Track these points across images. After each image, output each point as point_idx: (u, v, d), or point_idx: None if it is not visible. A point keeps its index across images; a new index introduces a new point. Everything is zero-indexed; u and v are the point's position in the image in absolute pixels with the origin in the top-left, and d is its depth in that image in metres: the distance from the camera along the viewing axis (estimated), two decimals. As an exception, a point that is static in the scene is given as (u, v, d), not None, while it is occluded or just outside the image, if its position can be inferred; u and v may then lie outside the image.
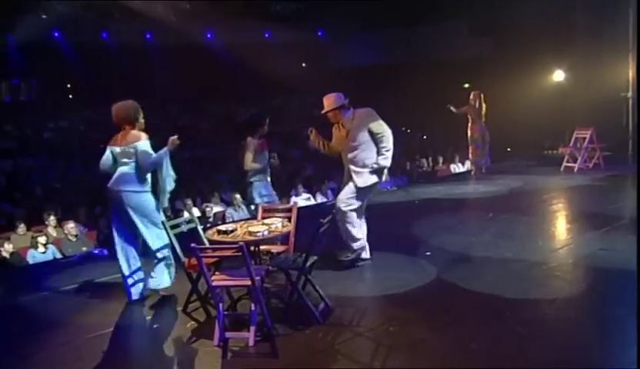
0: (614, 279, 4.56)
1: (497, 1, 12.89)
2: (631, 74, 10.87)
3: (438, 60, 14.79)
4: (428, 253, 5.08)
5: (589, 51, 11.11)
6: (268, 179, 5.68)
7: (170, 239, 4.35)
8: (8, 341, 4.26)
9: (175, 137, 4.66)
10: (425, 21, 15.92)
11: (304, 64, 19.79)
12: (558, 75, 12.61)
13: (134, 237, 4.64)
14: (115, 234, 4.65)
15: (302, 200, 9.78)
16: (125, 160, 4.59)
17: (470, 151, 10.68)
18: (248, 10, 16.16)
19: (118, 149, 4.63)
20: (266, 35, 18.16)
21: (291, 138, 14.77)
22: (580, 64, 11.68)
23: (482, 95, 10.26)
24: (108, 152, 4.71)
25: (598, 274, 4.80)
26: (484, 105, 10.25)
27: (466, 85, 14.41)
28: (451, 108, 10.18)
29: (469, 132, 10.42)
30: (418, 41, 15.75)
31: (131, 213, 4.51)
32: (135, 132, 4.64)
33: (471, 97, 10.28)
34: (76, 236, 7.93)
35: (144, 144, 4.56)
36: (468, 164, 12.48)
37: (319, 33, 18.99)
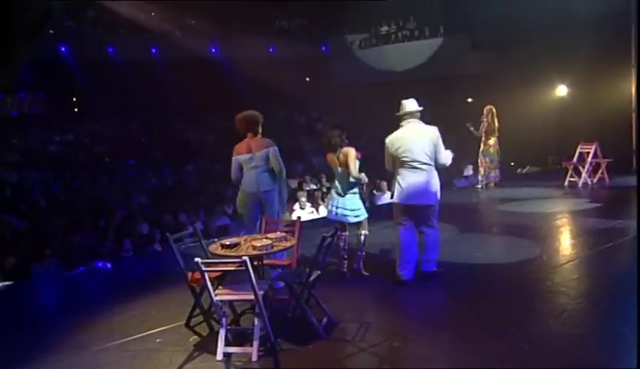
0: (619, 295, 4.52)
1: (500, 16, 12.98)
2: (634, 89, 10.88)
3: (441, 75, 14.87)
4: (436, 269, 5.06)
5: (592, 65, 11.13)
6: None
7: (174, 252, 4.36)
8: (12, 353, 4.25)
9: None
10: (428, 37, 16.05)
11: (307, 79, 19.92)
12: (561, 90, 12.63)
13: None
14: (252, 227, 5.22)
15: (306, 213, 9.77)
16: (256, 164, 5.16)
17: (481, 164, 10.68)
18: (253, 25, 16.33)
19: (245, 156, 5.19)
20: (270, 50, 18.31)
21: (294, 152, 14.81)
22: (583, 79, 11.70)
23: (494, 109, 10.29)
24: (235, 163, 5.28)
25: (603, 289, 4.77)
26: (496, 120, 10.28)
27: (469, 100, 14.46)
28: (471, 128, 10.18)
29: (482, 146, 10.43)
30: (421, 57, 15.84)
31: (265, 207, 5.16)
32: (263, 139, 5.23)
33: (485, 112, 10.31)
34: None
35: (275, 149, 5.18)
36: (472, 178, 12.48)
37: (323, 48, 19.14)
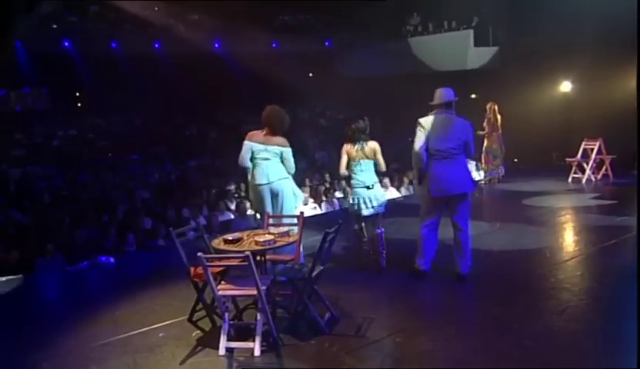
0: (622, 292, 4.51)
1: (503, 11, 12.90)
2: (637, 85, 10.80)
3: (444, 70, 14.80)
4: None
5: (596, 61, 11.06)
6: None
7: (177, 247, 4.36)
8: (16, 347, 4.27)
9: None
10: (431, 32, 15.97)
11: (311, 74, 19.86)
12: (566, 86, 12.57)
13: None
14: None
15: (309, 209, 9.77)
16: (266, 156, 5.15)
17: (484, 161, 10.69)
18: (256, 21, 16.28)
19: (260, 145, 5.15)
20: (273, 45, 18.28)
21: (297, 147, 14.78)
22: (587, 75, 11.63)
23: (496, 106, 10.29)
24: (247, 147, 5.18)
25: (606, 286, 4.77)
26: (498, 116, 10.28)
27: (473, 96, 14.40)
28: (480, 132, 10.21)
29: (486, 142, 10.44)
30: (425, 51, 15.78)
31: (282, 198, 5.15)
32: (279, 137, 5.21)
33: (488, 108, 10.31)
34: None
35: (289, 150, 5.22)
36: (475, 175, 12.47)
37: (326, 43, 19.09)
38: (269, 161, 5.15)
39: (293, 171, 5.29)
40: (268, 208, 5.17)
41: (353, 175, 5.34)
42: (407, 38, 16.21)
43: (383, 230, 5.38)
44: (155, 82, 16.13)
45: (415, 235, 5.20)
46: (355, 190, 5.34)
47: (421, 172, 4.94)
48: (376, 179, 5.35)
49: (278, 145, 5.17)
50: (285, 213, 5.11)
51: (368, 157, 5.25)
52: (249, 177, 5.33)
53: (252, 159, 5.21)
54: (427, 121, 4.90)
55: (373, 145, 5.27)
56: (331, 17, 17.11)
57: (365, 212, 5.28)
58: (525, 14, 12.23)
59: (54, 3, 13.30)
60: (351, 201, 5.42)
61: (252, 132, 5.27)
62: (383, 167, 5.32)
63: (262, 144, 5.16)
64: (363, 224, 5.40)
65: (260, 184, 5.17)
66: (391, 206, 8.95)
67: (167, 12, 16.00)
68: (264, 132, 5.22)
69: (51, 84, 17.23)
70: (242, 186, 10.41)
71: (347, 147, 5.33)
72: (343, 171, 5.40)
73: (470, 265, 5.04)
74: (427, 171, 4.89)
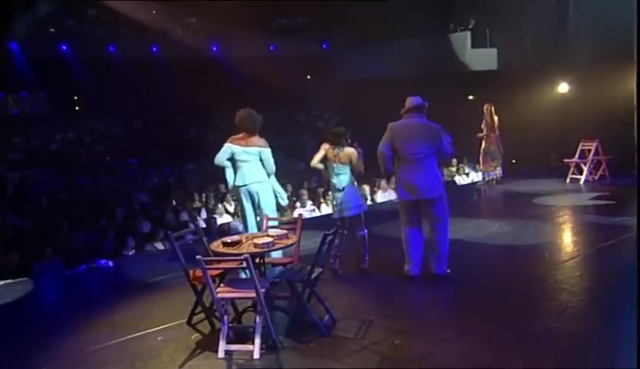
0: (621, 293, 4.52)
1: (500, 13, 12.91)
2: (635, 85, 10.81)
3: (442, 72, 14.82)
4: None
5: (593, 62, 11.08)
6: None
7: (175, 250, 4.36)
8: (15, 350, 4.26)
9: None
10: (429, 34, 15.99)
11: (309, 77, 19.87)
12: (563, 87, 12.60)
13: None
14: (250, 220, 5.33)
15: (307, 211, 9.77)
16: (245, 158, 5.24)
17: (482, 162, 10.71)
18: (254, 24, 16.30)
19: (239, 148, 5.24)
20: (271, 48, 18.30)
21: (295, 150, 14.80)
22: (584, 76, 11.66)
23: (493, 107, 10.33)
24: (226, 148, 5.28)
25: (605, 287, 4.77)
26: (495, 117, 10.31)
27: (470, 97, 14.42)
28: (478, 134, 10.29)
29: (484, 144, 10.46)
30: (422, 54, 15.80)
31: (258, 200, 5.23)
32: (257, 138, 5.28)
33: (485, 109, 10.35)
34: None
35: (268, 151, 5.27)
36: (474, 176, 12.48)
37: (324, 46, 19.11)
38: (248, 163, 5.25)
39: (273, 171, 5.35)
40: (248, 210, 5.28)
41: (330, 178, 5.42)
42: (406, 39, 16.15)
43: (366, 232, 5.40)
44: (152, 85, 16.13)
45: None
46: (332, 192, 5.48)
47: (387, 172, 5.18)
48: (348, 183, 5.34)
49: (257, 146, 5.25)
50: (264, 214, 5.14)
51: (342, 163, 5.31)
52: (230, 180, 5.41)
53: (234, 162, 5.31)
54: (395, 125, 5.06)
55: (349, 152, 5.31)
56: (329, 19, 17.13)
57: (335, 214, 5.38)
58: (522, 15, 12.24)
59: (51, 3, 13.30)
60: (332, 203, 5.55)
61: (233, 137, 5.37)
62: (357, 171, 5.34)
63: (242, 146, 5.26)
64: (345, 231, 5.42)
65: (238, 186, 5.28)
66: (388, 208, 8.99)
67: (165, 15, 16.01)
68: (241, 136, 5.31)
69: (49, 87, 17.19)
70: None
71: (326, 146, 5.41)
72: (314, 162, 5.49)
73: (445, 267, 5.05)
74: (393, 173, 5.11)
